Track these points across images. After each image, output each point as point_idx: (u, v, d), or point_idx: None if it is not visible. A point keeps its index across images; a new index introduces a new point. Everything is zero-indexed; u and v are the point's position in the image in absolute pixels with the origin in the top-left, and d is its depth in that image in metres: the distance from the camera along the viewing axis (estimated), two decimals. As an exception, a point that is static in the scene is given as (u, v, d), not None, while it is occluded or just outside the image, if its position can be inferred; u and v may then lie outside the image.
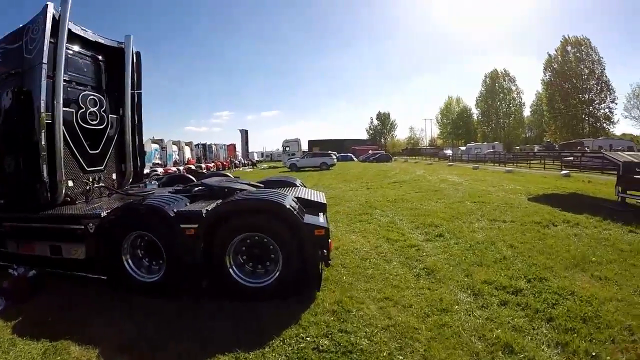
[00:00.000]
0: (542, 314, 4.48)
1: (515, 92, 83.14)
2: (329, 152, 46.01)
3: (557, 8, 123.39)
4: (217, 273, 5.24)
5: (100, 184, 7.39)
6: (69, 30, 6.42)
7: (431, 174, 25.37)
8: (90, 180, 7.18)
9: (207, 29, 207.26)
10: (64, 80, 6.40)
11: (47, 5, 6.09)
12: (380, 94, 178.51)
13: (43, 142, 5.96)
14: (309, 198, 6.27)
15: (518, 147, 65.02)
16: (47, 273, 6.00)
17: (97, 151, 7.31)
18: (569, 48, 67.83)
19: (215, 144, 54.92)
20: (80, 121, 6.82)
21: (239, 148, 62.02)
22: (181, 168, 35.51)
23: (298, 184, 7.90)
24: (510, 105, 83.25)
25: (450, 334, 4.10)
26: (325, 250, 5.03)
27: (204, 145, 51.42)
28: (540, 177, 22.01)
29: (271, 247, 5.17)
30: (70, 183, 6.68)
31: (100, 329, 4.53)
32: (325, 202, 6.33)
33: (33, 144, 5.98)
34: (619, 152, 12.93)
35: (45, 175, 6.03)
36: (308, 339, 4.13)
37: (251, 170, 49.79)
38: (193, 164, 41.60)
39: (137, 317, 4.80)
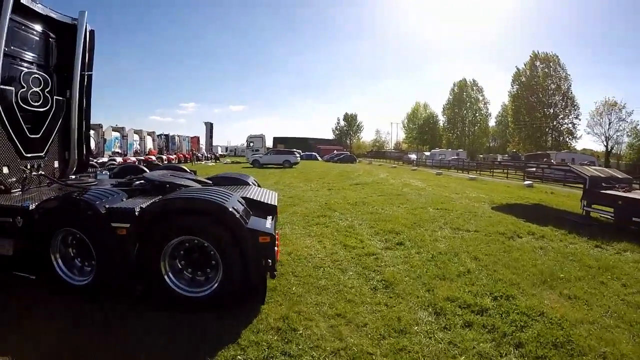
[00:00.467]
0: (510, 338, 4.05)
1: (482, 102, 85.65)
2: (293, 150, 45.32)
3: (528, 21, 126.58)
4: (152, 279, 4.63)
5: (40, 172, 6.62)
6: (18, 1, 5.85)
7: (394, 178, 25.02)
8: (29, 167, 6.39)
9: (179, 16, 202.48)
10: (7, 55, 5.81)
11: None
12: (349, 94, 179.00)
13: None
14: (258, 199, 5.63)
15: (482, 156, 66.44)
16: None
17: (38, 135, 6.56)
18: (537, 63, 69.91)
19: (178, 135, 53.76)
20: (20, 101, 6.10)
21: (203, 141, 60.95)
22: (141, 158, 34.57)
23: (250, 183, 7.29)
24: (477, 115, 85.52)
25: (408, 361, 3.58)
26: (270, 260, 4.42)
27: (166, 136, 50.18)
28: (504, 186, 22.15)
29: (212, 252, 4.55)
30: (5, 170, 5.97)
31: (14, 340, 3.95)
32: (275, 204, 5.68)
33: None
34: (585, 167, 12.86)
35: None
36: (245, 363, 3.54)
37: (213, 164, 48.86)
38: (154, 155, 40.97)
39: (60, 325, 4.22)
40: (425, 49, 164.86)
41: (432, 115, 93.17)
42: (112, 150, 35.25)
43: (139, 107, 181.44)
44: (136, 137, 40.94)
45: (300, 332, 4.10)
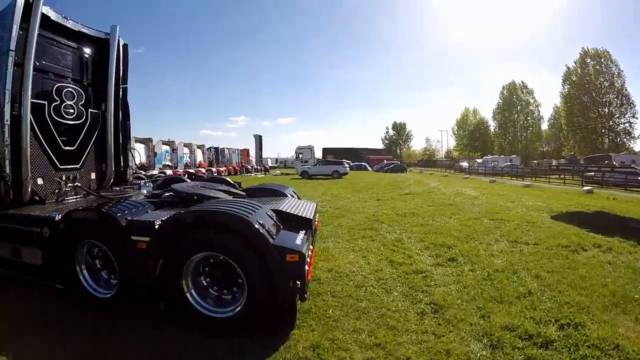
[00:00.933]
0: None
1: (533, 105, 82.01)
2: (342, 160, 44.91)
3: (575, 19, 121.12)
4: (174, 296, 4.36)
5: (76, 184, 6.76)
6: (49, 19, 6.15)
7: (446, 187, 24.09)
8: (64, 179, 6.56)
9: (227, 33, 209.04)
10: (40, 71, 6.08)
11: None
12: (397, 104, 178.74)
13: (6, 136, 5.46)
14: (292, 212, 5.15)
15: (536, 161, 63.31)
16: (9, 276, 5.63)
17: (73, 148, 6.78)
18: (588, 60, 66.30)
19: (228, 148, 54.51)
20: (53, 115, 6.32)
21: (252, 153, 61.66)
22: (191, 171, 35.20)
23: (288, 194, 6.86)
24: (528, 118, 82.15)
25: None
26: (299, 282, 3.93)
27: (216, 148, 51.08)
28: (562, 192, 20.84)
29: (237, 270, 4.14)
30: (40, 181, 6.18)
31: (31, 347, 4.02)
32: (310, 217, 5.15)
33: None
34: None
35: (7, 171, 5.56)
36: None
37: (262, 176, 49.11)
38: (204, 167, 41.48)
39: (78, 338, 4.18)
40: (470, 55, 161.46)
41: (482, 121, 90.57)
42: (163, 163, 36.16)
43: (191, 122, 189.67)
44: (186, 150, 41.95)
45: (332, 366, 3.59)
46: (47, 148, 6.26)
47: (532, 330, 4.14)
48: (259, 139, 62.18)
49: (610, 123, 63.52)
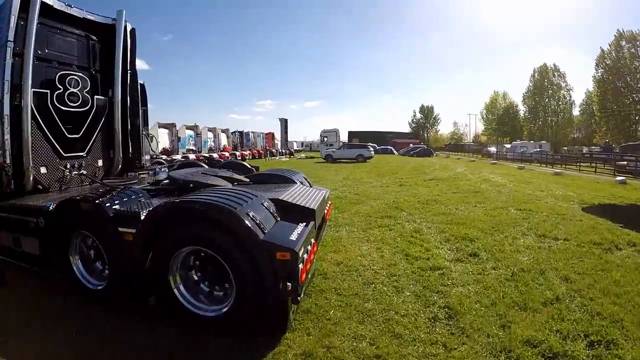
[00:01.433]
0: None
1: (565, 89, 78.77)
2: (367, 144, 44.16)
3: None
4: (163, 291, 4.10)
5: (82, 172, 6.65)
6: (51, 7, 6.07)
7: (472, 172, 23.27)
8: (69, 167, 6.44)
9: (253, 18, 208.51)
10: (42, 59, 6.04)
11: None
12: (425, 87, 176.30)
13: (6, 126, 5.41)
14: (294, 202, 4.66)
15: (566, 148, 60.98)
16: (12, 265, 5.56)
17: (78, 135, 6.66)
18: (623, 43, 62.59)
19: (252, 132, 54.40)
20: (57, 103, 6.20)
21: (278, 137, 61.40)
22: (215, 155, 35.26)
23: (297, 181, 6.38)
24: (560, 103, 78.93)
25: None
26: (290, 283, 3.46)
27: (240, 132, 50.98)
28: (593, 182, 19.76)
29: (225, 267, 3.77)
30: (43, 170, 6.11)
31: (22, 340, 3.92)
32: (314, 207, 4.63)
33: None
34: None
35: (8, 162, 5.51)
36: None
37: (287, 159, 48.97)
38: (228, 151, 41.51)
39: (66, 331, 4.02)
40: (501, 37, 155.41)
41: (512, 105, 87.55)
42: (187, 147, 36.23)
43: (218, 107, 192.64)
44: (210, 134, 42.05)
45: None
46: (51, 137, 6.15)
47: (557, 347, 3.57)
48: (284, 123, 61.98)
49: (645, 110, 60.43)
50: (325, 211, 5.80)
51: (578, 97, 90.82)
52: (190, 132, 38.25)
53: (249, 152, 46.93)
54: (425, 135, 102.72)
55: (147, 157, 8.52)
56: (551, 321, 4.13)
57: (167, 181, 5.84)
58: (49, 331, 4.04)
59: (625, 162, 24.63)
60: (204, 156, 30.65)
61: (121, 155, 7.35)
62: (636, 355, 3.48)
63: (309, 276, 4.16)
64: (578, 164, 31.73)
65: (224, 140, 45.34)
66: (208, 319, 3.94)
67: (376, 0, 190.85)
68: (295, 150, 71.58)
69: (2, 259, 5.54)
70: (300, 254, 3.56)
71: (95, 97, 6.86)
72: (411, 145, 65.60)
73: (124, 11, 7.14)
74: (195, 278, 4.18)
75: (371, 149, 41.81)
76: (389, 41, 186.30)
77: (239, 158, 38.06)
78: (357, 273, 5.58)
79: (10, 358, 3.58)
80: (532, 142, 62.92)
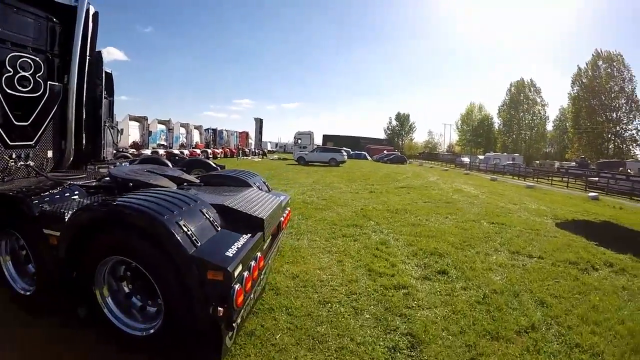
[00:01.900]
0: None
1: (540, 104, 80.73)
2: (341, 148, 43.86)
3: (588, 20, 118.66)
4: (91, 304, 3.57)
5: (28, 163, 5.96)
6: None
7: (445, 182, 23.02)
8: (14, 157, 5.77)
9: (235, 16, 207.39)
10: None
11: None
12: (402, 95, 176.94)
13: None
14: (241, 209, 4.04)
15: (538, 162, 62.07)
16: None
17: (27, 123, 6.01)
18: (600, 63, 64.88)
19: (226, 130, 53.49)
20: (5, 86, 5.55)
21: (253, 136, 60.62)
22: (185, 151, 34.44)
23: (254, 184, 5.76)
24: (534, 118, 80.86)
25: None
26: (222, 308, 2.86)
27: (214, 130, 49.90)
28: (566, 197, 19.84)
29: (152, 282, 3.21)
30: None
31: None
32: (263, 217, 4.03)
33: None
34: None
35: None
36: None
37: (259, 160, 48.13)
38: (201, 148, 40.67)
39: None
40: (480, 49, 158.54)
41: (487, 117, 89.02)
42: (157, 142, 35.21)
43: (194, 103, 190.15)
44: (182, 130, 40.96)
45: None
46: None
47: (534, 389, 3.08)
48: (259, 122, 61.09)
49: (618, 129, 62.14)
50: (282, 219, 5.21)
51: (552, 113, 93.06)
52: (162, 127, 37.12)
53: (221, 150, 46.04)
54: (400, 142, 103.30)
55: (111, 150, 7.92)
56: (526, 354, 3.68)
57: (107, 178, 5.25)
58: None
59: (597, 179, 24.94)
60: (171, 152, 29.73)
61: (73, 147, 6.73)
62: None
63: (252, 296, 3.57)
64: (550, 177, 32.08)
65: (196, 137, 44.33)
66: (137, 338, 3.39)
67: (357, 4, 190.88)
68: (268, 151, 70.74)
69: None
70: (237, 273, 2.96)
71: (49, 82, 6.27)
72: (385, 151, 65.62)
73: None
74: (127, 290, 3.65)
75: (345, 153, 41.40)
76: (369, 46, 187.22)
77: (210, 156, 37.24)
78: (313, 289, 5.02)
79: None
80: (505, 154, 63.76)
